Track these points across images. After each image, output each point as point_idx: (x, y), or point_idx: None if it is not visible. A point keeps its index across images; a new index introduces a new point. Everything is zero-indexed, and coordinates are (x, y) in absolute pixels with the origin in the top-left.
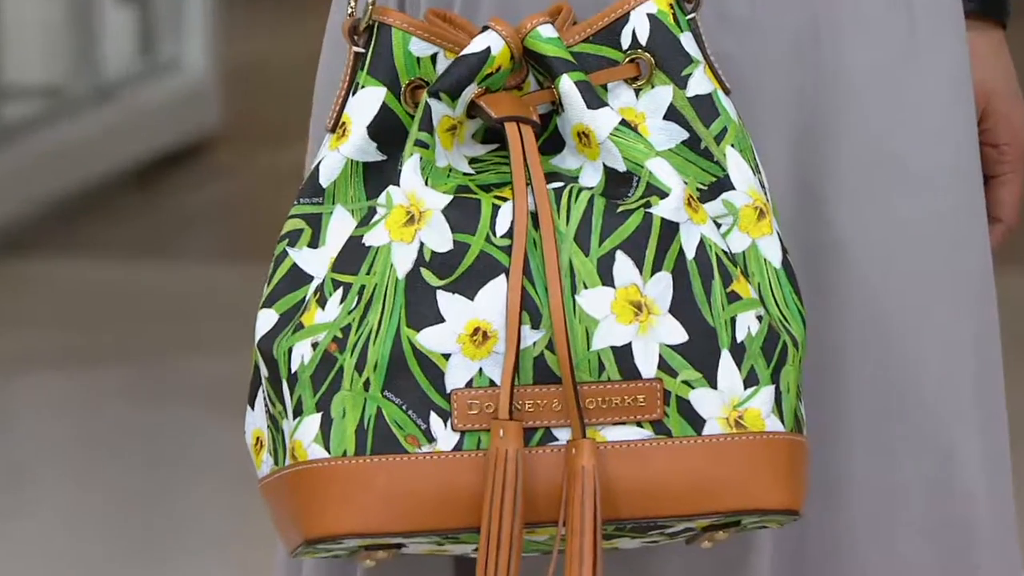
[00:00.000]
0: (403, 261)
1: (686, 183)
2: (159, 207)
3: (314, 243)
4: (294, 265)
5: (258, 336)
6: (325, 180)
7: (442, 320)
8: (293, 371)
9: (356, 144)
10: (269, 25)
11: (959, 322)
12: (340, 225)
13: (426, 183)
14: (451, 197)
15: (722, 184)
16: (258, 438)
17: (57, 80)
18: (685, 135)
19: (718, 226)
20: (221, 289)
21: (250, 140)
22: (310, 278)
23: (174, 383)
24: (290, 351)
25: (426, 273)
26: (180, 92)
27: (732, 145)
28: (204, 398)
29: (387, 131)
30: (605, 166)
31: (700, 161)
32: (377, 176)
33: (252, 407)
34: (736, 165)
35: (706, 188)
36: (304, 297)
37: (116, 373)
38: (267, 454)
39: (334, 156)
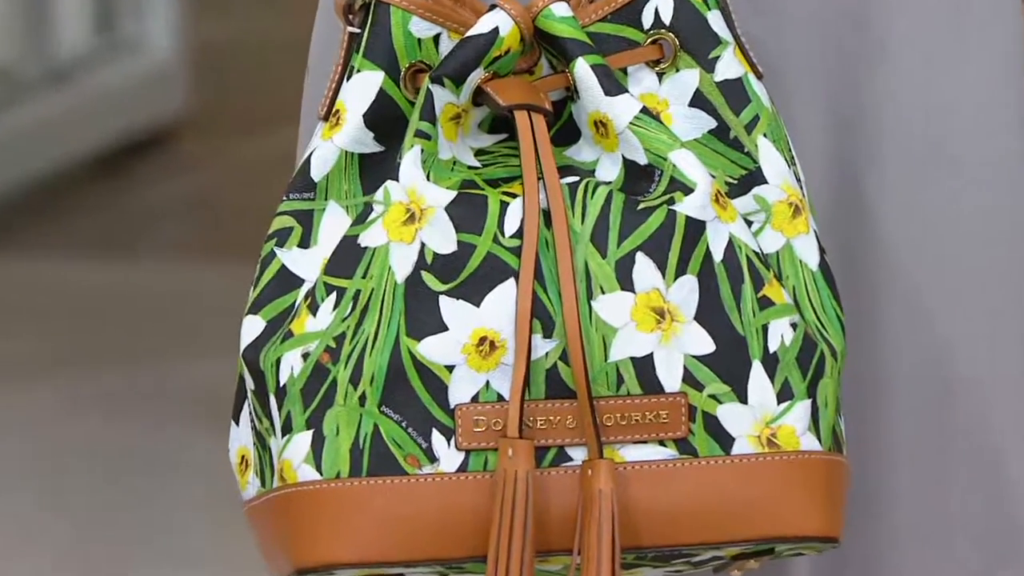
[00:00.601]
0: (402, 263)
1: (713, 177)
2: (120, 201)
3: (305, 243)
4: (283, 267)
5: (243, 345)
6: (317, 173)
7: (445, 328)
8: (282, 384)
9: (351, 134)
10: (242, 1)
11: (1009, 321)
12: (333, 223)
13: (428, 177)
14: (455, 193)
15: (753, 177)
16: (243, 457)
17: (6, 61)
18: (713, 124)
19: (749, 224)
20: (194, 290)
21: (221, 128)
22: (300, 281)
23: (147, 392)
24: (278, 362)
25: (427, 277)
26: (143, 75)
27: (764, 134)
28: (181, 409)
29: (385, 120)
30: (624, 158)
31: (729, 152)
32: (374, 169)
33: (236, 422)
34: (769, 156)
35: (736, 182)
36: (294, 302)
37: (82, 382)
38: (253, 475)
39: (327, 147)
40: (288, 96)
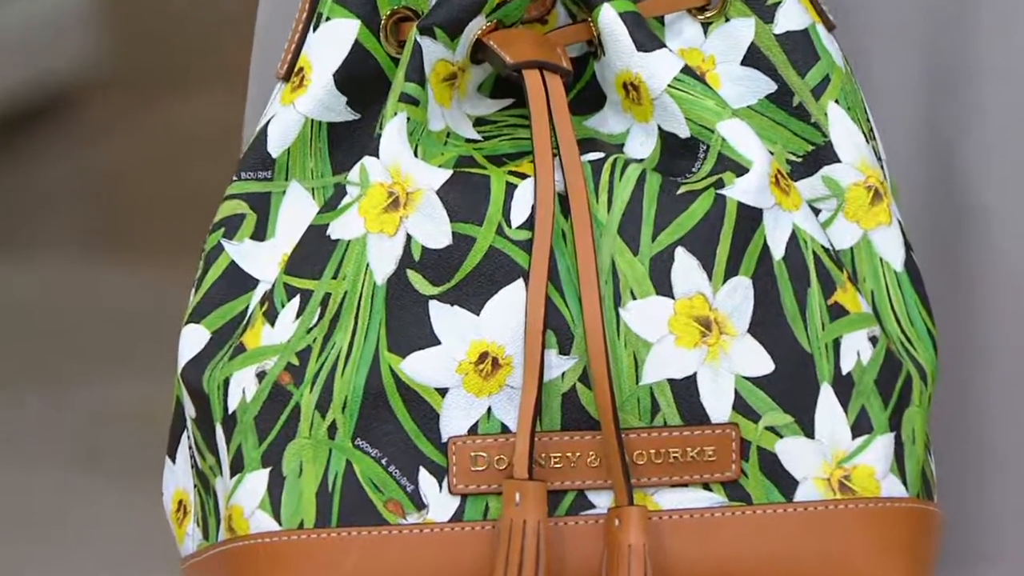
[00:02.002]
0: (383, 260)
1: (773, 153)
2: (5, 180)
3: (260, 234)
4: (232, 264)
5: (181, 362)
6: (275, 147)
7: (436, 342)
8: (231, 411)
9: (318, 97)
10: None
11: None
12: (296, 209)
13: (415, 153)
14: (449, 172)
15: (822, 154)
16: (180, 502)
17: None
18: (771, 87)
19: (816, 212)
20: (95, 295)
21: (134, 89)
22: (254, 282)
23: (28, 426)
24: (227, 383)
25: (415, 277)
26: (35, 23)
27: (836, 100)
28: (72, 447)
29: (361, 80)
30: (661, 130)
31: (792, 123)
32: (347, 142)
33: (172, 459)
34: (842, 128)
35: (800, 160)
36: (246, 309)
37: None
38: (193, 525)
39: (288, 114)
40: (223, 50)
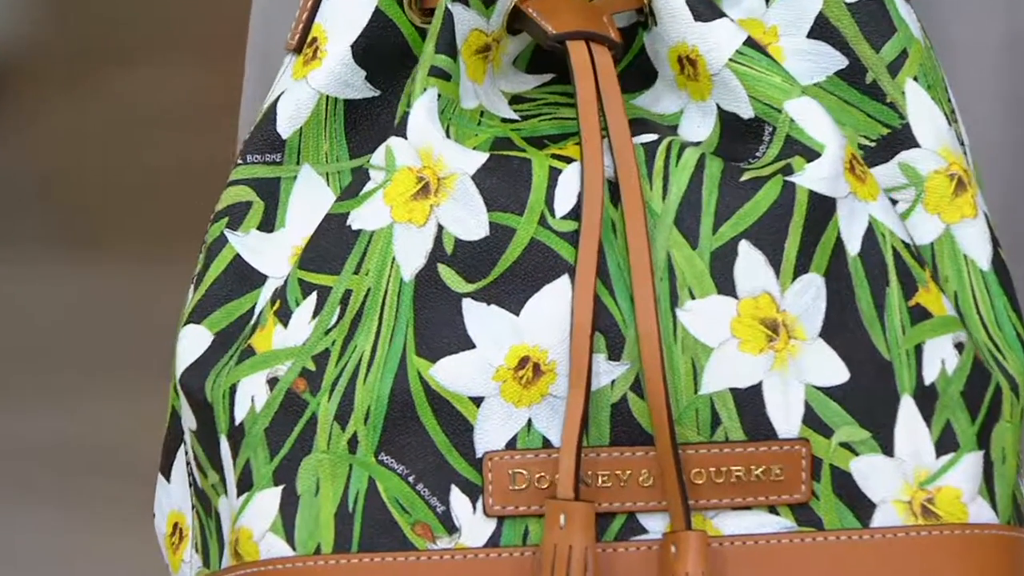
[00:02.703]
0: (411, 253)
1: (846, 138)
2: None
3: (269, 224)
4: (237, 258)
5: (180, 367)
6: (286, 127)
7: (470, 345)
8: (238, 422)
9: (335, 72)
10: None
11: None
12: (310, 197)
13: (447, 133)
14: (485, 156)
15: (899, 138)
16: (176, 525)
17: None
18: (842, 62)
19: (893, 203)
20: (33, 299)
21: (78, 61)
22: (262, 278)
23: None
24: (233, 391)
25: (447, 273)
26: None
27: (915, 78)
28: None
29: (382, 52)
30: (720, 109)
31: (865, 103)
32: (366, 122)
33: (166, 478)
34: (921, 109)
35: (874, 145)
36: (253, 307)
37: None
38: (191, 550)
39: (301, 90)
40: (170, 20)
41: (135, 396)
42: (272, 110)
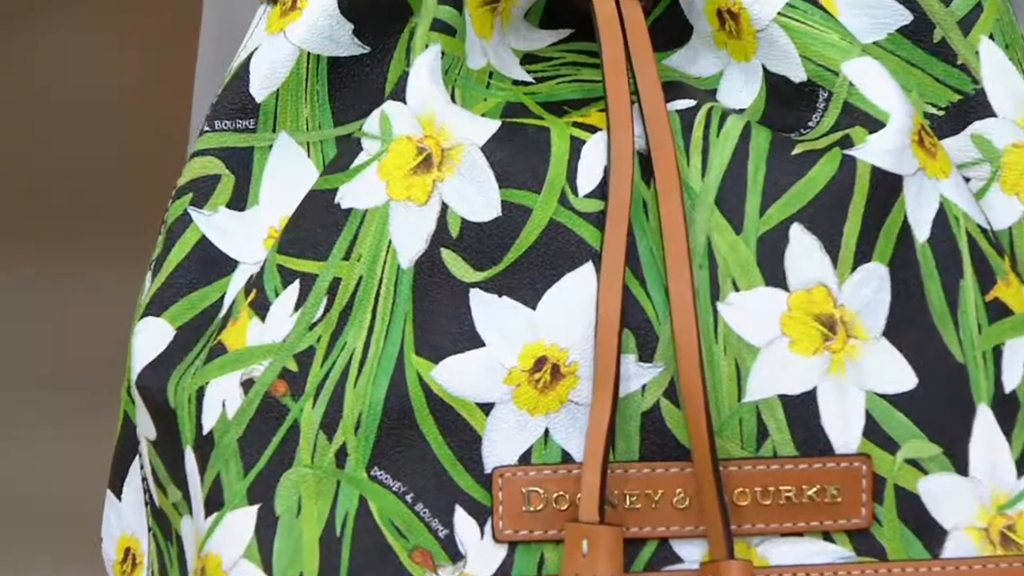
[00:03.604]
0: (411, 236)
1: (914, 105)
2: None
3: (240, 201)
4: (203, 240)
5: (136, 367)
6: (260, 88)
7: (479, 343)
8: (206, 430)
9: (317, 24)
10: None
11: None
12: (286, 169)
13: (452, 97)
14: (497, 123)
15: (972, 105)
16: (128, 551)
17: None
18: (905, 17)
19: (966, 181)
20: None
21: None
22: (233, 264)
23: None
24: (200, 395)
25: (452, 259)
26: None
27: (991, 36)
28: None
29: (372, 2)
30: (767, 71)
31: (932, 64)
32: (353, 83)
33: (117, 496)
34: (998, 72)
35: (942, 113)
36: (223, 298)
37: None
38: None
39: (277, 45)
40: None
41: (61, 417)
42: (244, 69)
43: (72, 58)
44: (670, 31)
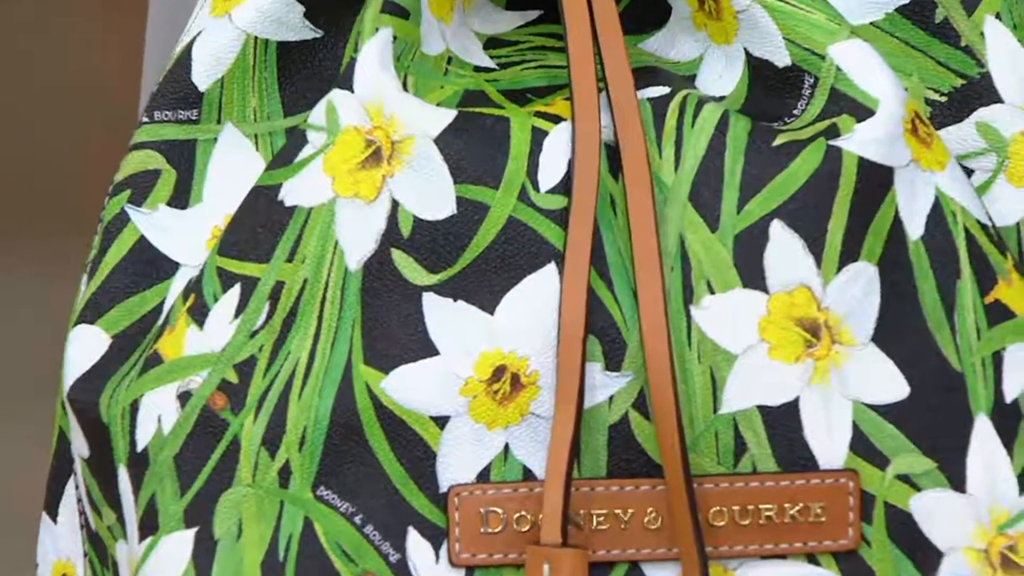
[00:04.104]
0: (359, 236)
1: (908, 90)
2: None
3: (182, 198)
4: (141, 241)
5: (68, 379)
6: (204, 77)
7: (432, 352)
8: (141, 448)
9: (265, 6)
10: None
11: None
12: (232, 164)
13: (404, 85)
14: (453, 113)
15: (976, 91)
16: None
17: None
18: None
19: (968, 174)
20: None
21: None
22: (173, 267)
23: None
24: (135, 409)
25: (403, 260)
26: None
27: (997, 15)
28: None
29: None
30: (749, 55)
31: (933, 46)
32: (305, 71)
33: (52, 518)
34: (1004, 54)
35: (945, 99)
36: (162, 303)
37: None
38: None
39: (222, 30)
40: None
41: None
42: (186, 56)
43: (72, 59)
44: (646, 12)
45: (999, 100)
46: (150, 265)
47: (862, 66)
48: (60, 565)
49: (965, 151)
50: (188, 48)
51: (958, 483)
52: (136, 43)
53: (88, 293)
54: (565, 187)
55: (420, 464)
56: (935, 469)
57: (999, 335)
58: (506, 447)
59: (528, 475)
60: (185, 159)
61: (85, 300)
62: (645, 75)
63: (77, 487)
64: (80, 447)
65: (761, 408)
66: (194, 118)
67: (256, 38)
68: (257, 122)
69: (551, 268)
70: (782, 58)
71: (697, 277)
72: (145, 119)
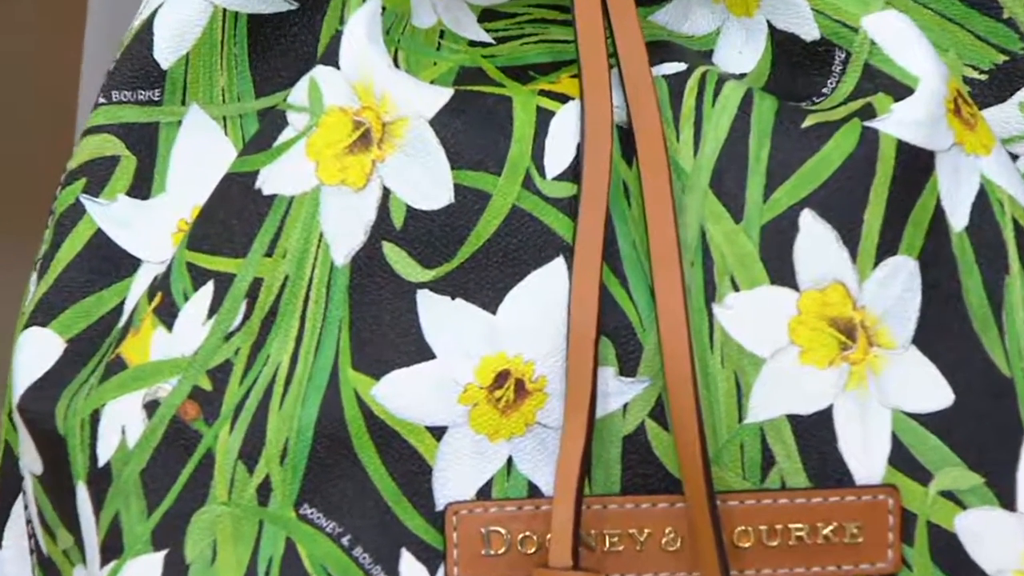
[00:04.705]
0: (346, 229)
1: (948, 67)
2: None
3: (143, 187)
4: (99, 235)
5: (18, 388)
6: (167, 53)
7: (428, 355)
8: (103, 462)
9: None
10: None
11: None
12: (202, 150)
13: (395, 61)
14: (449, 92)
15: (1020, 68)
16: None
17: None
18: None
19: (1013, 159)
20: None
21: None
22: (135, 263)
23: None
24: (95, 419)
25: (395, 254)
26: None
27: None
28: None
29: None
30: (772, 28)
31: (973, 19)
32: (279, 46)
33: None
34: None
35: (986, 77)
36: (122, 303)
37: None
38: None
39: (186, 1)
40: None
41: None
42: (146, 30)
43: (70, 56)
44: None
45: None
46: (108, 262)
47: (899, 39)
48: None
49: (1008, 134)
50: (148, 22)
51: (1007, 500)
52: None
53: (39, 293)
54: (574, 173)
55: (414, 479)
56: (982, 485)
57: None
58: (509, 460)
59: (534, 491)
60: (146, 144)
61: (36, 301)
62: (658, 50)
63: (27, 507)
64: (31, 463)
65: (791, 417)
66: (156, 99)
67: (224, 10)
68: (226, 103)
69: (559, 262)
70: (810, 31)
71: (720, 273)
72: (102, 100)
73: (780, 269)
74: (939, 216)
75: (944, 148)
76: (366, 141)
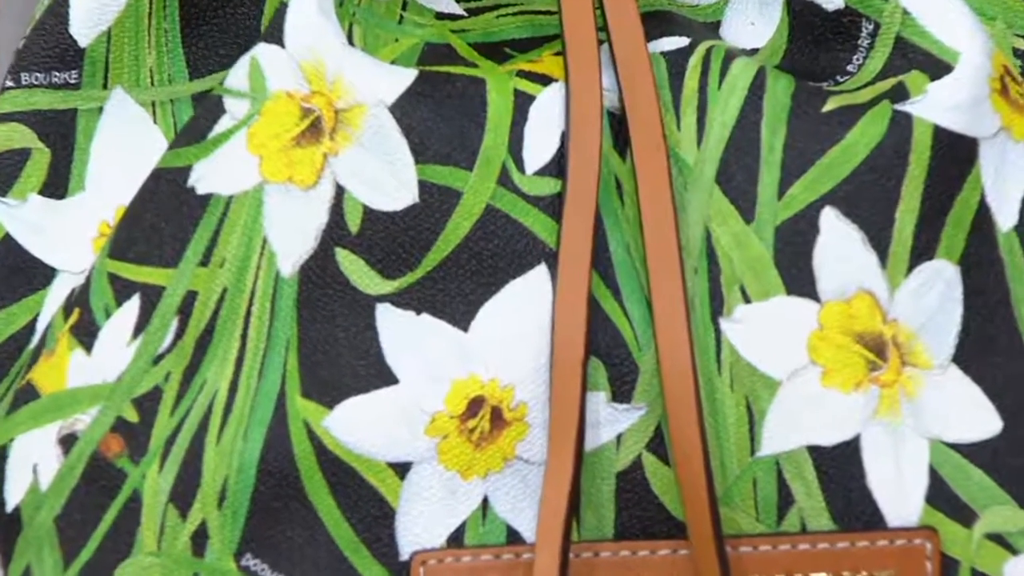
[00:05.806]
0: (294, 233)
1: (993, 40)
2: None
3: (58, 185)
4: (6, 240)
5: None
6: (85, 29)
7: (390, 379)
8: (11, 507)
9: None
10: None
11: None
12: (127, 141)
13: (350, 39)
14: (412, 74)
15: None
16: None
17: None
18: None
19: None
20: None
21: None
22: (50, 273)
23: None
24: (2, 456)
25: (351, 263)
26: None
27: None
28: None
29: None
30: None
31: None
32: (219, 20)
33: None
34: None
35: None
36: (34, 321)
37: None
38: None
39: None
40: None
41: None
42: (61, 1)
43: None
44: None
45: None
46: (18, 272)
47: (937, 8)
48: None
49: None
50: None
51: None
52: None
53: None
54: (557, 167)
55: (374, 524)
56: None
57: None
58: (485, 501)
59: (513, 537)
60: (62, 135)
61: None
62: (657, 22)
63: None
64: None
65: (811, 449)
66: (73, 81)
67: None
68: (155, 86)
69: (541, 271)
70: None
71: (728, 281)
72: (9, 83)
73: (797, 277)
74: (983, 213)
75: (989, 134)
76: (316, 131)
